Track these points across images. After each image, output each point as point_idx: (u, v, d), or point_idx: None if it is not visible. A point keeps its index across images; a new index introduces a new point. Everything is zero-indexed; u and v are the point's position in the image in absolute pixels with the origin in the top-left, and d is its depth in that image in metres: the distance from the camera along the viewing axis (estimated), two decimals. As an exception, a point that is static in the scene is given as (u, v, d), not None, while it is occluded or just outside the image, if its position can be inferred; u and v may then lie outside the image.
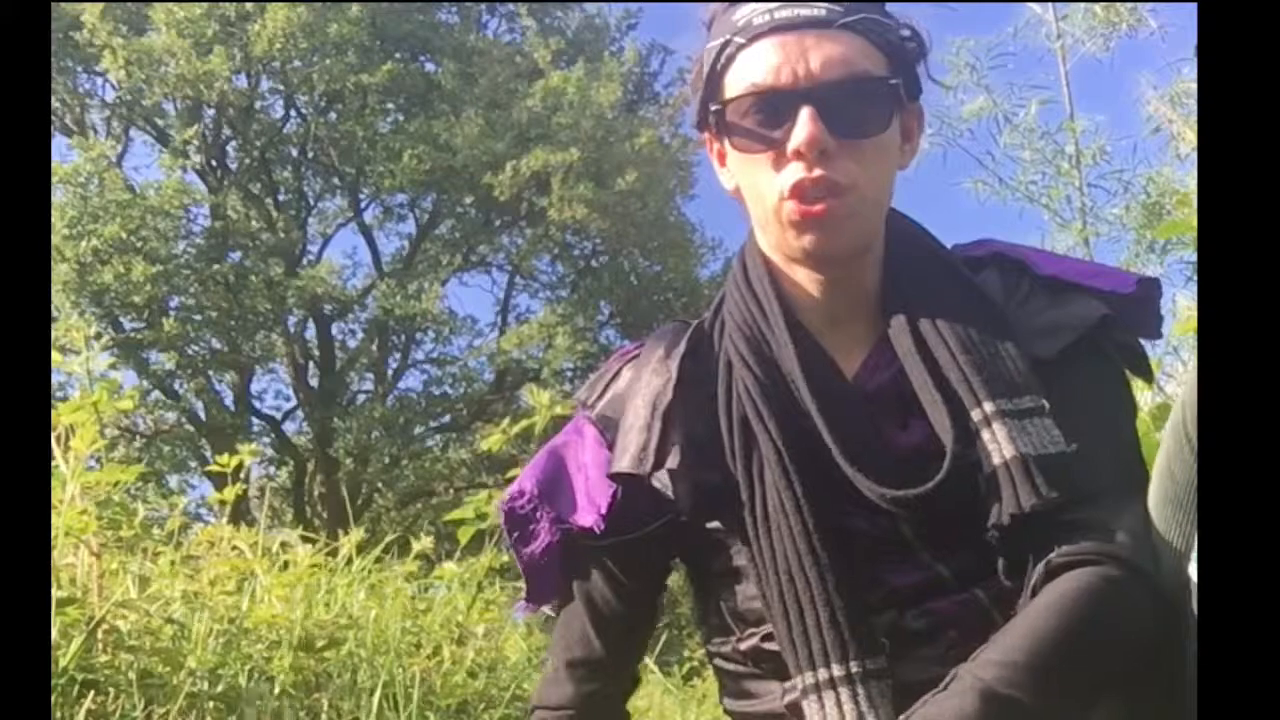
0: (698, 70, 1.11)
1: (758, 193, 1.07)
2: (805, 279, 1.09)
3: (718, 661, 1.19)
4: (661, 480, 1.06)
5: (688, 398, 1.09)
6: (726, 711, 1.21)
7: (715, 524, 1.09)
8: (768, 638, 1.07)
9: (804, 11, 1.03)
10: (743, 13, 1.06)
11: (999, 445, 0.97)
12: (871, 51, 1.04)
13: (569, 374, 14.35)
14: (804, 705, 1.01)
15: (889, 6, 1.09)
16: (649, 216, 13.90)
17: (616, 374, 1.18)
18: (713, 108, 1.08)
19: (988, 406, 0.99)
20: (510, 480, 2.06)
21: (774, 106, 1.03)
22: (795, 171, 1.02)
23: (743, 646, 1.12)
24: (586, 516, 1.12)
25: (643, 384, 1.12)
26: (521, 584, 1.20)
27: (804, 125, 1.00)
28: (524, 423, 1.98)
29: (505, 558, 2.16)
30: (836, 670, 0.99)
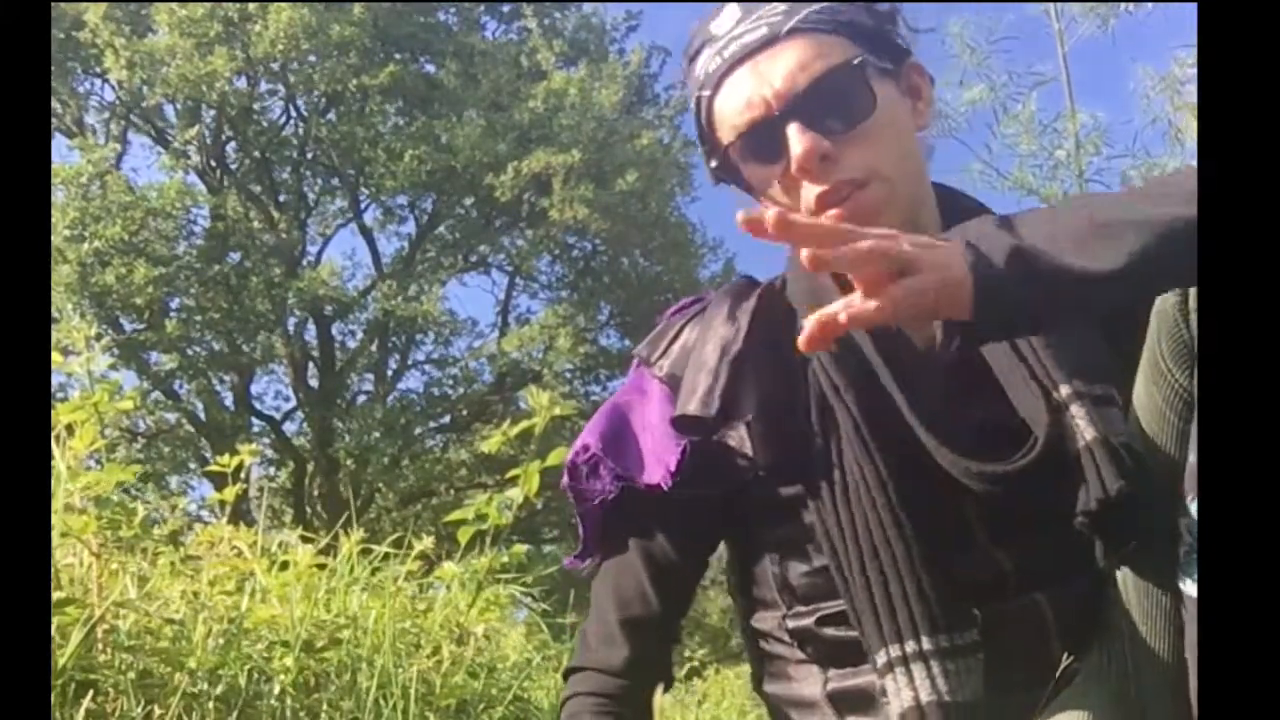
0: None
1: None
2: None
3: (758, 640, 1.16)
4: (737, 435, 1.05)
5: (758, 354, 1.08)
6: (760, 694, 1.19)
7: (782, 489, 1.06)
8: (823, 620, 1.05)
9: (748, 38, 1.04)
10: (700, 64, 1.08)
11: (1080, 427, 0.95)
12: (827, 41, 1.03)
13: (570, 375, 14.36)
14: (887, 681, 0.98)
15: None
16: (650, 217, 13.90)
17: (679, 331, 1.16)
18: (713, 165, 1.09)
19: (1064, 389, 0.97)
20: (511, 481, 2.07)
21: (760, 139, 1.04)
22: (810, 188, 1.02)
23: (791, 625, 1.09)
24: (654, 474, 1.09)
25: (711, 334, 1.10)
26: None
27: (795, 142, 1.00)
28: (524, 424, 1.98)
29: (505, 558, 2.16)
30: (926, 644, 0.96)
